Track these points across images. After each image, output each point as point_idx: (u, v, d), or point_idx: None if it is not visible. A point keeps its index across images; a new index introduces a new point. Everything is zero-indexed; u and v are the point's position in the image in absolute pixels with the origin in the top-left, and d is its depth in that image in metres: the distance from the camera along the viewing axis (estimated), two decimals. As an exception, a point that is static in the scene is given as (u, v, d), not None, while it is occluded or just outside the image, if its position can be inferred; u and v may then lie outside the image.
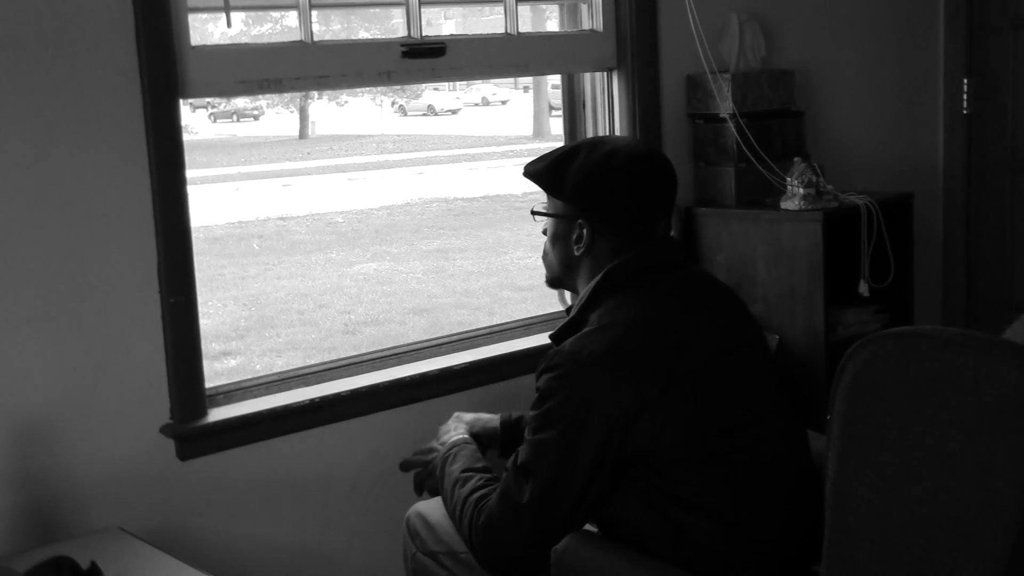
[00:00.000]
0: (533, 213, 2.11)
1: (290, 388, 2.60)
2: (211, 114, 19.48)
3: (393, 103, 19.96)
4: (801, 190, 2.98)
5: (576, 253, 2.01)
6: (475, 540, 1.93)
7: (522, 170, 2.12)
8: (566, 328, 1.96)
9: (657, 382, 1.81)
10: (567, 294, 2.17)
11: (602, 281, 1.94)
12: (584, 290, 1.98)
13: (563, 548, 1.91)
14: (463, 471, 2.05)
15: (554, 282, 2.16)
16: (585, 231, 1.99)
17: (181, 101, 2.34)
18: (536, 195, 2.14)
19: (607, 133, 3.09)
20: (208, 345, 4.49)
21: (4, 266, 2.15)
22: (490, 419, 2.32)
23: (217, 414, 2.43)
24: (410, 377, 2.71)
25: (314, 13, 2.56)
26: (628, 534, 1.88)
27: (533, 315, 3.15)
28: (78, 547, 1.99)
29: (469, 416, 2.33)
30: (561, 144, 2.99)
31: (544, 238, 2.12)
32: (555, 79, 9.83)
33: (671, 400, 1.81)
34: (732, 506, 1.83)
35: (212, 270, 8.68)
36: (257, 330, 7.46)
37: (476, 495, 1.97)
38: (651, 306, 1.90)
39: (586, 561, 1.88)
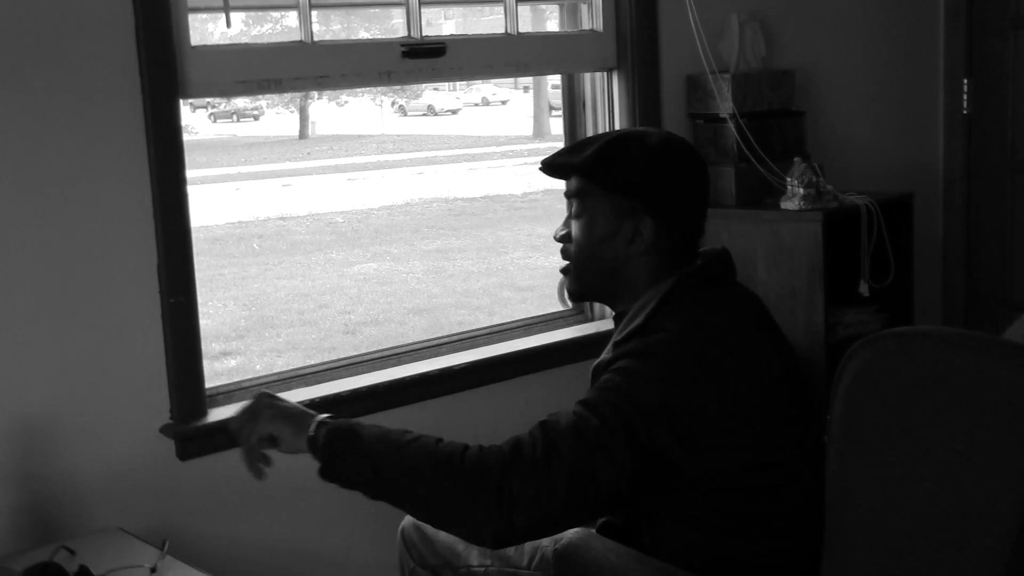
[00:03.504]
0: (572, 197, 1.85)
1: (290, 388, 2.60)
2: (211, 114, 19.49)
3: (393, 103, 19.96)
4: (801, 190, 2.98)
5: (632, 253, 1.85)
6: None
7: (551, 161, 1.90)
8: (634, 333, 1.81)
9: (736, 398, 1.75)
10: (565, 293, 2.07)
11: (672, 289, 1.82)
12: (650, 293, 1.84)
13: (565, 547, 1.90)
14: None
15: (587, 290, 1.94)
16: (645, 228, 1.83)
17: (181, 101, 2.35)
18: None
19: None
20: (208, 345, 4.49)
21: (4, 266, 2.15)
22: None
23: (217, 414, 2.43)
24: (410, 377, 2.71)
25: (314, 13, 2.56)
26: (668, 550, 1.84)
27: (533, 315, 3.15)
28: (78, 547, 1.99)
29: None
30: (562, 144, 2.98)
31: (558, 240, 1.93)
32: (555, 79, 9.82)
33: (739, 420, 1.76)
34: (774, 532, 1.81)
35: (212, 270, 8.68)
36: (257, 330, 7.46)
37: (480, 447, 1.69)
38: (725, 322, 1.82)
39: (588, 560, 1.88)
